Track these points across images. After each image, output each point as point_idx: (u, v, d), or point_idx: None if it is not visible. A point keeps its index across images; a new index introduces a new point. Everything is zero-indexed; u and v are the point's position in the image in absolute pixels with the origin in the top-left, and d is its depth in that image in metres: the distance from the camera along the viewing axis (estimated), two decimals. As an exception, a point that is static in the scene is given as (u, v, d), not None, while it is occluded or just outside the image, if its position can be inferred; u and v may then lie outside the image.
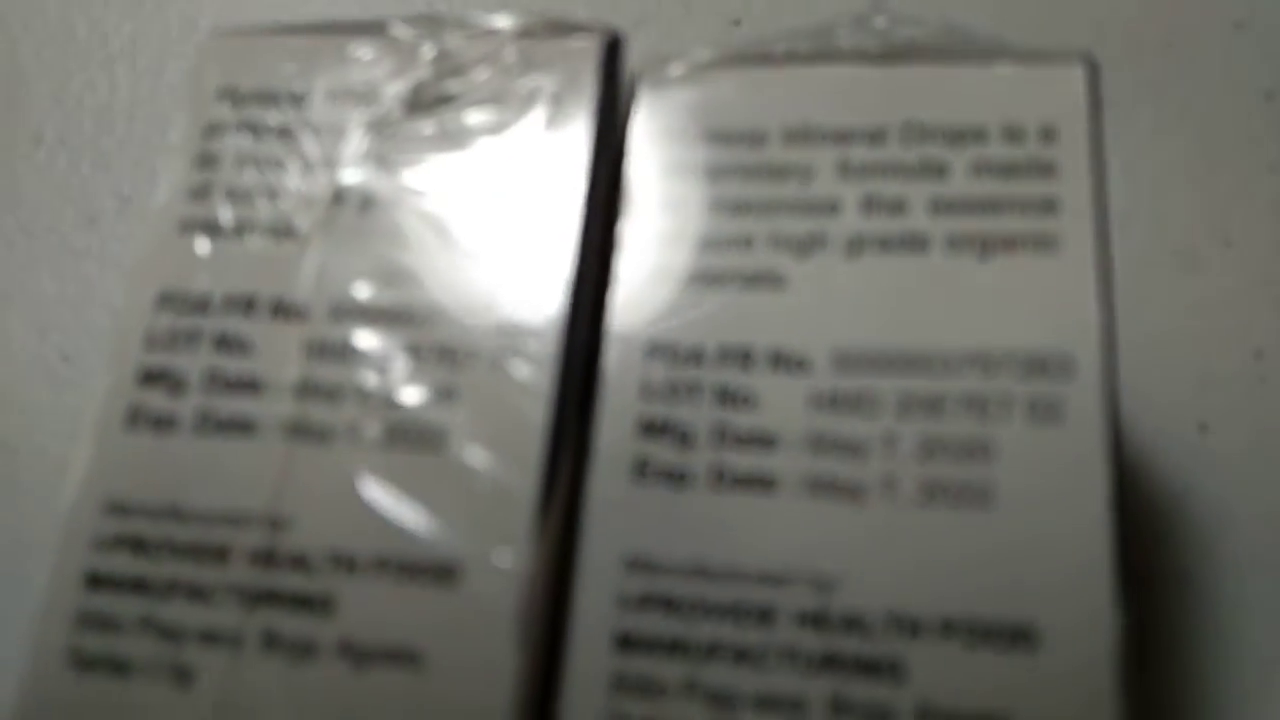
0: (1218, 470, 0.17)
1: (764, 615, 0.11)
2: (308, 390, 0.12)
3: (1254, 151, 0.19)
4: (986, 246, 0.12)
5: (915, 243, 0.12)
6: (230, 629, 0.11)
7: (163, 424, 0.12)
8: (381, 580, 0.11)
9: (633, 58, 0.14)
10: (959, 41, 0.13)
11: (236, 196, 0.13)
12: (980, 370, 0.12)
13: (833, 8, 0.14)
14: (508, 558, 0.11)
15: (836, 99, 0.13)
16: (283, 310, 0.13)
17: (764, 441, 0.12)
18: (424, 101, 0.14)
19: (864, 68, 0.13)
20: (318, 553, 0.11)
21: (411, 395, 0.12)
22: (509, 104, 0.13)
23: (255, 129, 0.14)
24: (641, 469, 0.12)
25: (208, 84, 0.14)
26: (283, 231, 0.13)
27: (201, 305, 0.13)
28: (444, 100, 0.13)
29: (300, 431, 0.12)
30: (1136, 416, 0.17)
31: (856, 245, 0.12)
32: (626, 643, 0.11)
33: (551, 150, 0.13)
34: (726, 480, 0.12)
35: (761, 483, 0.12)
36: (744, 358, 0.12)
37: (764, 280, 0.12)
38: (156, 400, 0.12)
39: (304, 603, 0.11)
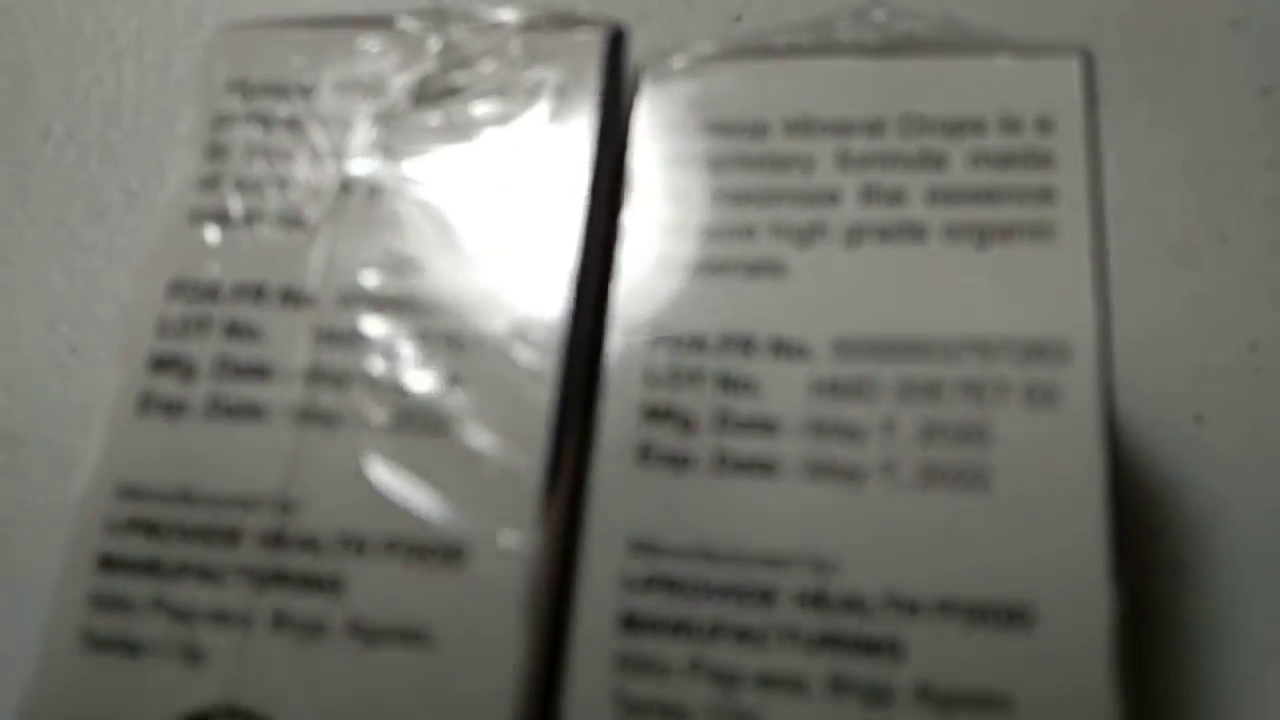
0: (1213, 461, 0.17)
1: (765, 596, 0.11)
2: (317, 376, 0.12)
3: (1250, 148, 0.19)
4: (984, 235, 0.12)
5: (914, 232, 0.12)
6: (241, 609, 0.12)
7: (174, 409, 0.13)
8: (390, 561, 0.12)
9: (635, 52, 0.14)
10: (957, 35, 0.14)
11: (246, 187, 0.14)
12: (978, 356, 0.12)
13: (833, 1, 0.14)
14: (514, 539, 0.11)
15: (836, 91, 0.13)
16: (292, 298, 0.13)
17: (765, 426, 0.12)
18: (430, 93, 0.14)
19: (863, 60, 0.13)
20: (327, 535, 0.12)
21: (419, 381, 0.12)
22: (514, 96, 0.14)
23: (265, 120, 0.14)
24: (645, 453, 0.12)
25: (218, 76, 0.14)
26: (292, 221, 0.13)
27: (212, 293, 0.13)
28: (450, 92, 0.14)
29: (310, 416, 0.12)
30: (1133, 408, 0.18)
31: (856, 234, 0.13)
32: (631, 623, 0.11)
33: (556, 141, 0.13)
34: (728, 464, 0.12)
35: (763, 467, 0.12)
36: (745, 345, 0.12)
37: (765, 269, 0.13)
38: (168, 386, 0.13)
39: (314, 583, 0.12)
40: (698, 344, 0.12)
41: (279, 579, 0.12)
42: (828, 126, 0.13)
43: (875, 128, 0.13)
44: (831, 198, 0.13)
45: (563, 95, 0.13)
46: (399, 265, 0.13)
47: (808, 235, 0.13)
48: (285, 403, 0.12)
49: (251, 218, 0.13)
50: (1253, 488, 0.17)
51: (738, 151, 0.13)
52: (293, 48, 0.14)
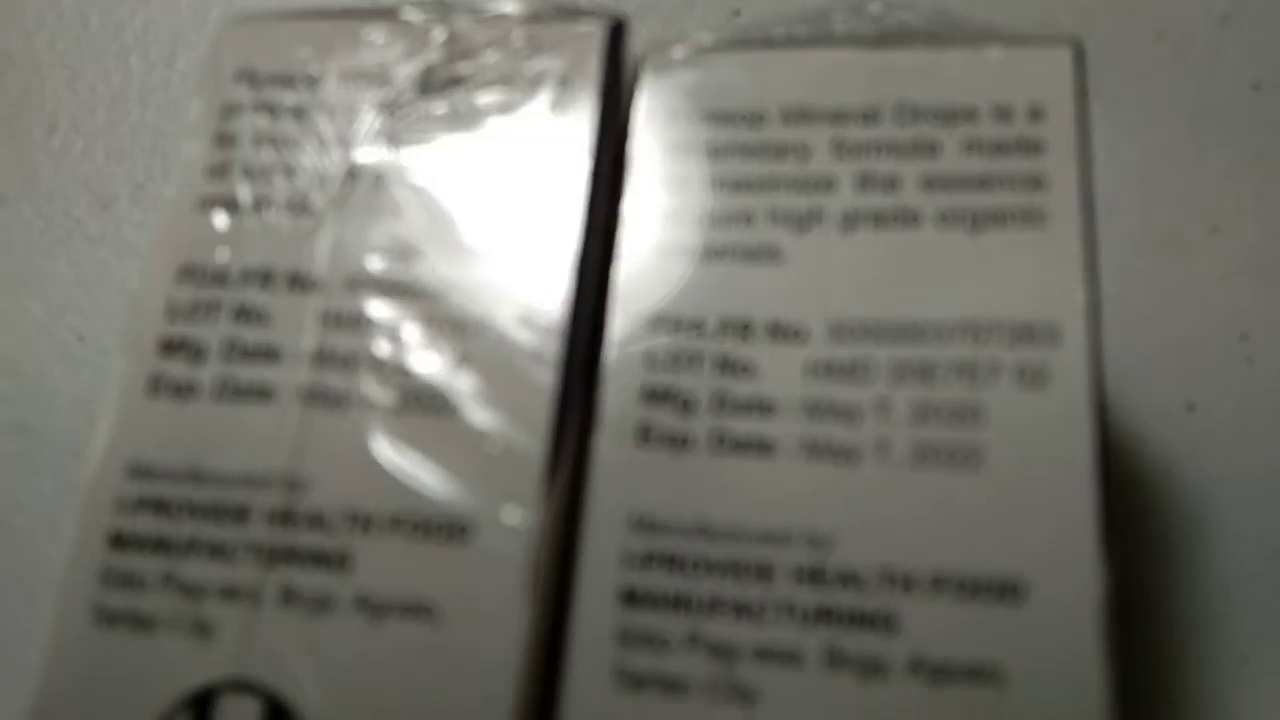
0: (1204, 448, 0.18)
1: (763, 571, 0.12)
2: (324, 358, 0.13)
3: (1241, 141, 0.20)
4: (976, 221, 0.13)
5: (908, 218, 0.13)
6: (250, 585, 0.12)
7: (184, 390, 0.13)
8: (396, 537, 0.12)
9: (636, 44, 0.15)
10: (950, 26, 0.14)
11: (254, 174, 0.14)
12: (970, 338, 0.12)
13: (829, -6, 0.15)
14: (517, 516, 0.12)
15: (832, 81, 0.14)
16: (299, 282, 0.13)
17: (763, 408, 0.12)
18: (435, 83, 0.14)
19: (859, 51, 0.14)
20: (334, 512, 0.12)
21: (424, 363, 0.12)
22: (517, 86, 0.14)
23: (272, 110, 0.14)
24: (645, 434, 0.12)
25: (226, 67, 0.14)
26: (299, 208, 0.14)
27: (221, 278, 0.13)
28: (454, 82, 0.14)
29: (317, 397, 0.12)
30: (1126, 395, 0.18)
31: (851, 220, 0.13)
32: (631, 597, 0.12)
33: (558, 130, 0.14)
34: (727, 444, 0.12)
35: (760, 446, 0.12)
36: (743, 328, 0.13)
37: (763, 254, 0.13)
38: (178, 368, 0.13)
39: (321, 559, 0.12)
40: (697, 327, 0.13)
41: (287, 555, 0.12)
42: (824, 115, 0.13)
43: (870, 117, 0.13)
44: (827, 185, 0.13)
45: (565, 85, 0.14)
46: (404, 251, 0.13)
47: (804, 221, 0.13)
48: (293, 384, 0.13)
49: (259, 204, 0.14)
50: (1243, 474, 0.17)
51: (736, 140, 0.14)
52: (299, 39, 0.15)
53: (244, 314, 0.13)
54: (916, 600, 0.11)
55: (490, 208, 0.13)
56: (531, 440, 0.12)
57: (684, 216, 0.13)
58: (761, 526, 0.12)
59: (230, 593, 0.12)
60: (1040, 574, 0.11)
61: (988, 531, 0.11)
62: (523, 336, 0.12)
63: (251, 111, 0.14)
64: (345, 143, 0.14)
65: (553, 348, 0.12)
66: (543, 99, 0.14)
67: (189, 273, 0.13)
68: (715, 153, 0.14)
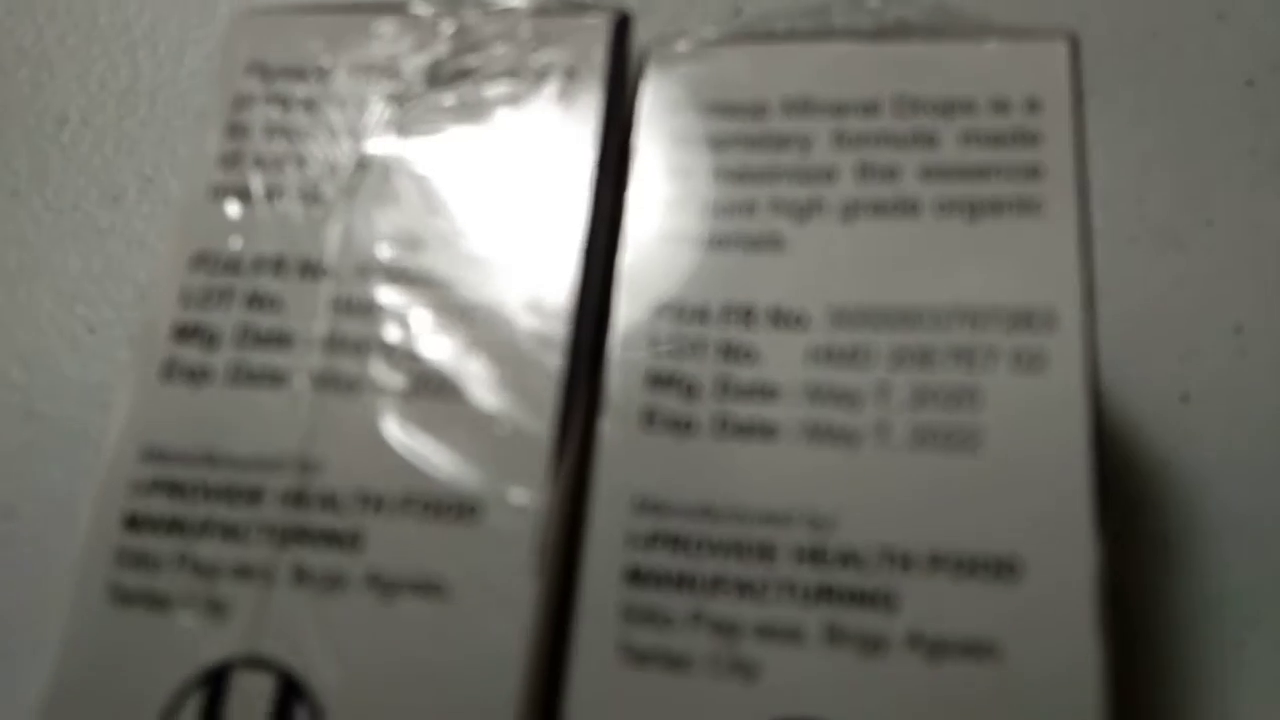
0: (1199, 440, 0.18)
1: (765, 551, 0.12)
2: (335, 344, 0.13)
3: (1235, 136, 0.20)
4: (974, 210, 0.13)
5: (907, 207, 0.13)
6: (263, 565, 0.12)
7: (197, 375, 0.13)
8: (407, 517, 0.12)
9: (640, 38, 0.15)
10: (949, 20, 0.14)
11: (266, 164, 0.14)
12: (968, 324, 0.12)
13: (830, -11, 0.15)
14: (525, 497, 0.12)
15: (833, 74, 0.14)
16: (310, 270, 0.13)
17: (765, 392, 0.13)
18: (443, 76, 0.14)
19: (859, 44, 0.14)
20: (346, 493, 0.12)
21: (434, 347, 0.13)
22: (524, 78, 0.14)
23: (283, 101, 0.14)
24: (650, 418, 0.13)
25: (238, 59, 0.15)
26: (310, 197, 0.14)
27: (234, 265, 0.14)
28: (462, 74, 0.14)
29: (328, 381, 0.13)
30: (1121, 387, 0.18)
31: (852, 210, 0.13)
32: (636, 576, 0.12)
33: (564, 122, 0.14)
34: (730, 428, 0.12)
35: (762, 430, 0.12)
36: (746, 315, 0.13)
37: (765, 243, 0.13)
38: (191, 354, 0.13)
39: (333, 539, 0.12)
40: (700, 314, 0.13)
41: (300, 535, 0.12)
42: (825, 107, 0.14)
43: (870, 108, 0.14)
44: (828, 175, 0.13)
45: (571, 77, 0.14)
46: (413, 239, 0.13)
47: (806, 211, 0.13)
48: (305, 369, 0.13)
49: (271, 194, 0.14)
50: (1236, 465, 0.18)
51: (738, 131, 0.14)
52: (310, 32, 0.15)
53: (256, 301, 0.13)
54: (915, 579, 0.12)
55: (497, 197, 0.14)
56: (539, 423, 0.12)
57: (688, 206, 0.14)
58: (764, 508, 0.12)
59: (244, 572, 0.12)
60: (1036, 553, 0.11)
61: (985, 512, 0.12)
62: (530, 322, 0.13)
63: (263, 103, 0.14)
64: (355, 134, 0.14)
65: (559, 333, 0.13)
66: (549, 91, 0.14)
67: (202, 260, 0.14)
68: (718, 144, 0.14)
